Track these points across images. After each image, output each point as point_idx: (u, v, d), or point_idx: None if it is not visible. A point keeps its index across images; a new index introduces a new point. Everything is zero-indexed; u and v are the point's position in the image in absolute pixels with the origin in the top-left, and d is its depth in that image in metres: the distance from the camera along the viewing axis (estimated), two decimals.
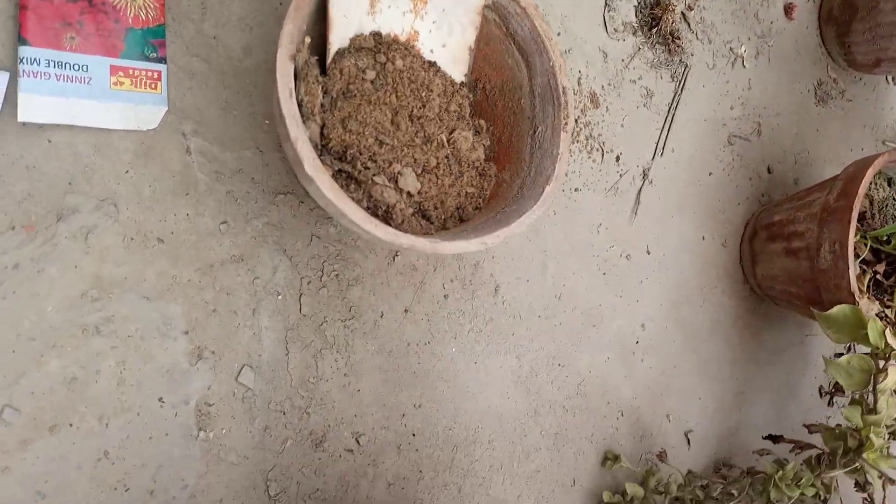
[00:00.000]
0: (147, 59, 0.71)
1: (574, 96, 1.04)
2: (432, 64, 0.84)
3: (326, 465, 0.83)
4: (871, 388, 0.94)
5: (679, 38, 1.14)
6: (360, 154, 0.75)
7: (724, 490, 1.01)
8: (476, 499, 0.96)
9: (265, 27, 0.79)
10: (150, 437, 0.72)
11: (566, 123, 0.81)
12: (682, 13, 1.15)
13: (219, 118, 0.75)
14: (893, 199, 1.13)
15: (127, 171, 0.70)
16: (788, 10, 1.32)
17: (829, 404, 1.31)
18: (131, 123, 0.69)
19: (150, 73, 0.71)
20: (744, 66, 1.26)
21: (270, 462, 0.79)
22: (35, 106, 0.65)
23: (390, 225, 0.76)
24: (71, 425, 0.68)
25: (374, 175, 0.75)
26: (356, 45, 0.78)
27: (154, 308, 0.72)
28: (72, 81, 0.66)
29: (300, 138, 0.62)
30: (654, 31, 1.11)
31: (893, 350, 0.91)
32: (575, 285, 1.04)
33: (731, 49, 1.24)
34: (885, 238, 1.06)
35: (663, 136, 1.13)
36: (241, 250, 0.77)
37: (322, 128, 0.74)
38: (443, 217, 0.82)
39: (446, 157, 0.83)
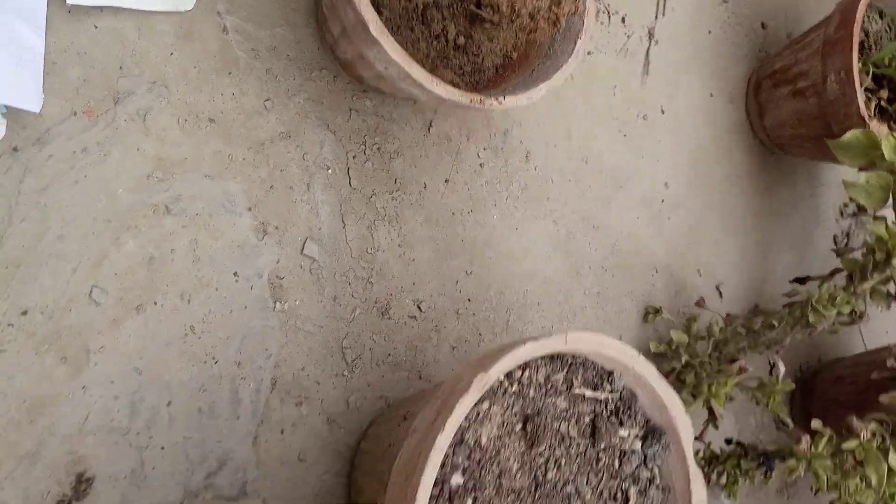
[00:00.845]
0: None
1: None
2: None
3: (394, 331, 0.86)
4: (891, 202, 0.98)
5: None
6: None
7: (764, 323, 1.06)
8: None
9: None
10: (231, 311, 0.75)
11: None
12: None
13: None
14: (887, 29, 1.16)
15: (172, 53, 0.71)
16: None
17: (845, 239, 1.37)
18: (169, 4, 0.70)
19: None
20: None
21: (343, 330, 0.82)
22: None
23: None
24: (155, 303, 0.70)
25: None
26: None
27: (216, 186, 0.74)
28: None
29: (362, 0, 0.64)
30: None
31: None
32: (599, 148, 1.07)
33: None
34: (886, 62, 1.09)
35: None
36: (286, 127, 0.79)
37: None
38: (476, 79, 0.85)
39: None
